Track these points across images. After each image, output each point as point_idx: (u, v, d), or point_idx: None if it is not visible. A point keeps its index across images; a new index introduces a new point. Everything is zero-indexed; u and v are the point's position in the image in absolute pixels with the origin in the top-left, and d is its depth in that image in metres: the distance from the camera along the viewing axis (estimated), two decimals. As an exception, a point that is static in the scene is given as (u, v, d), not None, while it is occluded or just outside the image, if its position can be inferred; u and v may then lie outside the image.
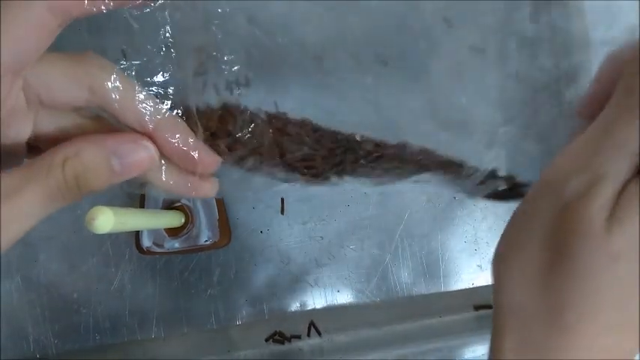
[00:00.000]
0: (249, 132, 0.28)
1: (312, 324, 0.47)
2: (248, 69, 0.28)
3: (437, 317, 0.48)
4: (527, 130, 0.29)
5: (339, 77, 0.33)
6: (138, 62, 0.25)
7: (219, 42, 0.27)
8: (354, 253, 0.47)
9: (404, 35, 0.32)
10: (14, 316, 0.46)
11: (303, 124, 0.30)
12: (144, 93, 0.23)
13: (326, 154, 0.30)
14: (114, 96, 0.23)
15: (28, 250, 0.46)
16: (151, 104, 0.23)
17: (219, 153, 0.27)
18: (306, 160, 0.30)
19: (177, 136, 0.24)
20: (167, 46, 0.25)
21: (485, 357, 0.43)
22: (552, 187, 0.19)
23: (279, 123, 0.29)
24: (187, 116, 0.26)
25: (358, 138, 0.31)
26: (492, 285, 0.22)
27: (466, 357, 0.44)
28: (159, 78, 0.25)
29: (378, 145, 0.31)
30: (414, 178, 0.31)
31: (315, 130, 0.30)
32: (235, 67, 0.28)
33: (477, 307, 0.48)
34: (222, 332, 0.47)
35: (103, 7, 0.21)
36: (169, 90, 0.26)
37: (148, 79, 0.25)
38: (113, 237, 0.47)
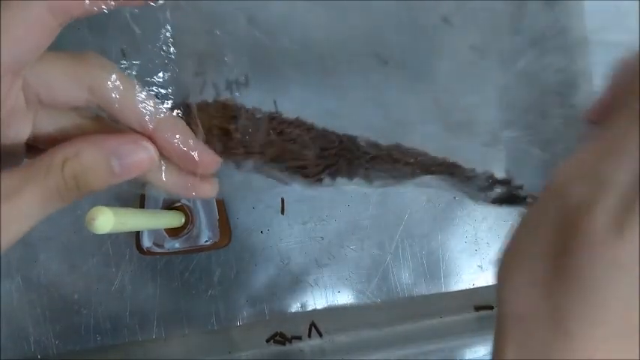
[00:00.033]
0: (248, 132, 0.28)
1: (312, 325, 0.47)
2: (248, 69, 0.28)
3: (437, 318, 0.48)
4: (528, 130, 0.29)
5: (339, 77, 0.33)
6: (138, 62, 0.25)
7: (219, 42, 0.27)
8: (354, 253, 0.47)
9: (404, 35, 0.32)
10: (14, 316, 0.46)
11: (298, 123, 0.30)
12: (144, 93, 0.23)
13: (319, 155, 0.30)
14: (114, 96, 0.22)
15: (28, 250, 0.46)
16: (152, 104, 0.23)
17: (219, 153, 0.27)
18: (297, 159, 0.29)
19: (178, 136, 0.24)
20: (167, 46, 0.25)
21: (486, 357, 0.43)
22: (558, 194, 0.19)
23: (274, 122, 0.29)
24: (187, 116, 0.26)
25: (354, 138, 0.31)
26: (496, 290, 0.22)
27: (467, 357, 0.44)
28: (159, 78, 0.25)
29: (372, 145, 0.31)
30: (416, 181, 0.31)
31: (309, 129, 0.30)
32: (235, 67, 0.28)
33: (478, 308, 0.48)
34: (222, 333, 0.47)
35: (104, 7, 0.21)
36: (169, 90, 0.26)
37: (149, 78, 0.25)
38: (113, 237, 0.46)
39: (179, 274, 0.47)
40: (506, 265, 0.22)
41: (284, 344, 0.47)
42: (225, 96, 0.29)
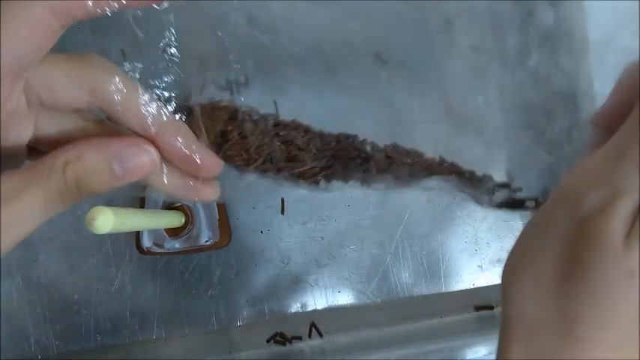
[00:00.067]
0: (247, 135, 0.28)
1: (313, 325, 0.47)
2: (248, 69, 0.28)
3: (438, 318, 0.48)
4: (532, 132, 0.29)
5: (339, 77, 0.33)
6: (140, 64, 0.24)
7: (220, 43, 0.27)
8: (354, 253, 0.47)
9: (404, 35, 0.32)
10: (14, 316, 0.46)
11: (294, 126, 0.30)
12: (147, 95, 0.23)
13: (314, 157, 0.30)
14: (116, 98, 0.22)
15: (28, 250, 0.46)
16: (154, 107, 0.23)
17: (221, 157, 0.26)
18: (293, 161, 0.29)
19: (180, 139, 0.24)
20: (169, 48, 0.25)
21: (487, 357, 0.43)
22: (570, 200, 0.19)
23: (271, 125, 0.29)
24: (190, 119, 0.26)
25: (351, 138, 0.30)
26: (501, 292, 0.22)
27: (467, 357, 0.44)
28: (161, 80, 0.25)
29: (370, 145, 0.31)
30: (416, 183, 0.30)
31: (306, 131, 0.30)
32: (236, 67, 0.28)
33: (478, 308, 0.48)
34: (223, 333, 0.47)
35: (107, 9, 0.20)
36: (172, 93, 0.25)
37: (151, 81, 0.25)
38: (113, 237, 0.46)
39: (179, 274, 0.46)
40: (513, 267, 0.22)
41: (284, 344, 0.47)
42: (225, 96, 0.29)
